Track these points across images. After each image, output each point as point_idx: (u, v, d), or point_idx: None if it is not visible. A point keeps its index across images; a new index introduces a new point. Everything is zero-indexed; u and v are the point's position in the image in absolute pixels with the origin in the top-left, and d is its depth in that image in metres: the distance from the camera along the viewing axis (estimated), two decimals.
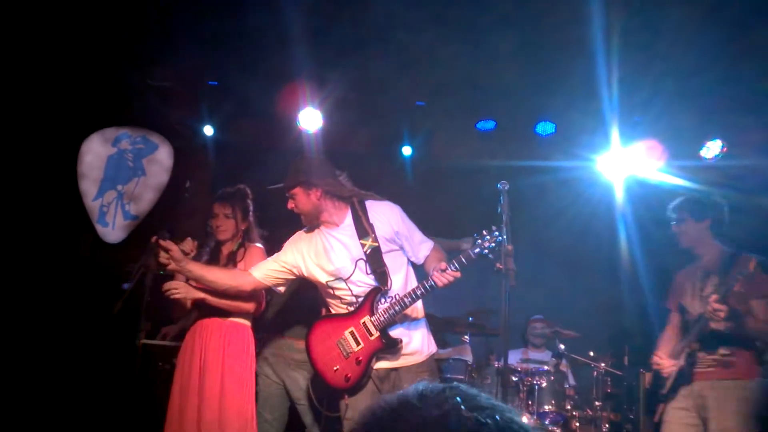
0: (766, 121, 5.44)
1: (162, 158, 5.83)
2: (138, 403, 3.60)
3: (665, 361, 3.76)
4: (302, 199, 3.44)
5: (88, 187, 5.66)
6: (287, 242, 3.59)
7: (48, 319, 5.01)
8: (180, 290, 3.57)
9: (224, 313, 3.79)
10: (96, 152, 5.73)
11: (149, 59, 5.54)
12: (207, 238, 3.97)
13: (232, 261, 3.87)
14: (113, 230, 5.60)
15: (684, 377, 3.67)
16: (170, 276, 3.69)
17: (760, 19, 4.55)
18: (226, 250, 3.95)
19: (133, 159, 5.78)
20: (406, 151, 6.15)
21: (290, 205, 3.48)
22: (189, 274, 3.51)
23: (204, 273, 3.53)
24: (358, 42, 5.20)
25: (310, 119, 5.75)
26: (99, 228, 5.60)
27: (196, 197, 4.03)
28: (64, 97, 5.32)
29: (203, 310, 3.82)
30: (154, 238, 3.37)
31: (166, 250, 3.35)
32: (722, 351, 3.60)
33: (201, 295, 3.69)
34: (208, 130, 6.05)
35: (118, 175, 5.72)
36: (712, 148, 5.68)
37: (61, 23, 4.86)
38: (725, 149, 5.66)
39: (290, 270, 3.51)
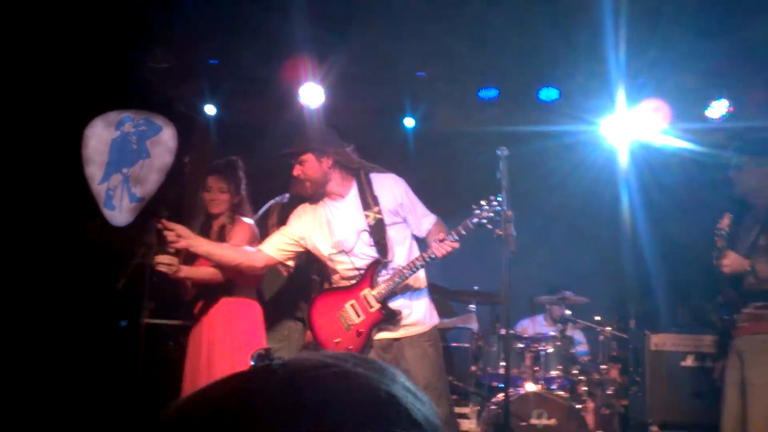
0: None
1: (166, 139, 5.84)
2: (143, 383, 3.65)
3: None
4: (313, 166, 3.42)
5: (94, 172, 5.70)
6: (292, 215, 3.60)
7: (54, 303, 5.08)
8: (172, 266, 3.46)
9: (229, 290, 3.79)
10: (99, 136, 5.76)
11: (149, 40, 5.55)
12: (196, 211, 3.88)
13: (222, 236, 3.80)
14: (120, 213, 5.65)
15: (726, 334, 3.57)
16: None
17: None
18: (216, 224, 3.87)
19: (137, 141, 5.80)
20: (408, 122, 6.13)
21: (297, 171, 3.45)
22: (198, 249, 3.44)
23: (213, 249, 3.49)
24: (357, 14, 5.16)
25: (312, 94, 5.74)
26: (106, 212, 5.64)
27: (195, 174, 4.00)
28: (65, 82, 5.34)
29: (206, 289, 3.82)
30: (155, 219, 3.38)
31: (171, 229, 3.35)
32: (761, 310, 3.45)
33: (190, 273, 3.63)
34: (210, 109, 6.06)
35: (122, 158, 5.74)
36: (718, 108, 5.60)
37: (60, 8, 4.86)
38: (731, 109, 5.58)
39: (298, 242, 3.51)
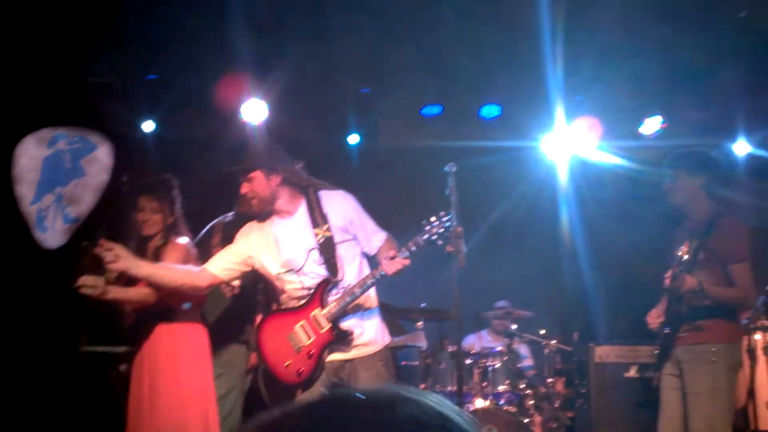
0: (703, 101, 5.60)
1: (101, 157, 5.61)
2: (83, 412, 3.48)
3: (655, 320, 3.68)
4: (261, 183, 3.35)
5: (25, 191, 5.41)
6: (238, 233, 3.50)
7: None
8: (97, 288, 3.28)
9: (170, 315, 3.65)
10: (31, 155, 5.48)
11: (85, 55, 5.36)
12: (130, 232, 3.71)
13: (157, 259, 3.63)
14: (53, 235, 5.37)
15: (667, 341, 3.65)
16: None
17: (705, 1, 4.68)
18: (151, 246, 3.70)
19: (71, 160, 5.56)
20: (353, 139, 6.12)
21: (245, 188, 3.37)
22: (137, 271, 3.30)
23: (154, 270, 3.36)
24: (301, 31, 5.14)
25: (254, 111, 5.67)
26: (38, 234, 5.38)
27: (131, 194, 3.85)
28: None
29: (147, 313, 3.67)
30: (85, 242, 3.23)
31: (109, 250, 3.22)
32: (700, 321, 3.56)
33: (118, 294, 3.47)
34: (149, 126, 5.91)
35: (55, 177, 5.49)
36: (652, 125, 5.82)
37: None
38: (664, 125, 5.80)
39: (245, 261, 3.42)
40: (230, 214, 4.59)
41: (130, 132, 5.83)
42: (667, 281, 3.50)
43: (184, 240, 3.76)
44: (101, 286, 3.29)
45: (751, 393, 3.95)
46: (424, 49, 5.34)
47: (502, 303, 5.73)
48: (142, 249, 3.72)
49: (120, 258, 3.21)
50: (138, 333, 3.71)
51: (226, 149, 5.34)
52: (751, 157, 5.80)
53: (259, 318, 4.38)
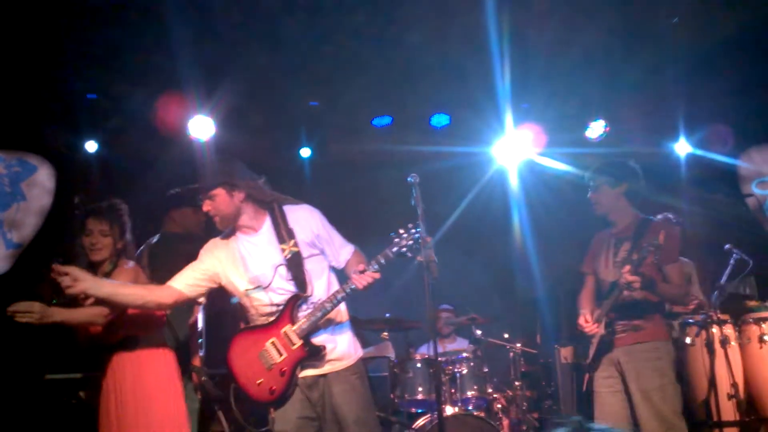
0: (645, 105, 5.82)
1: (42, 180, 5.42)
2: None
3: (590, 324, 3.77)
4: (224, 201, 3.27)
5: None
6: (203, 250, 3.41)
7: None
8: (33, 313, 3.08)
9: (132, 342, 3.53)
10: None
11: (20, 74, 5.14)
12: (76, 258, 3.53)
13: None
14: None
15: (605, 345, 3.74)
16: (67, 304, 3.39)
17: (640, 11, 4.85)
18: (101, 272, 3.54)
19: (10, 184, 5.34)
20: (305, 152, 6.07)
21: (206, 206, 3.28)
22: (98, 292, 3.13)
23: (116, 289, 3.21)
24: (247, 45, 5.07)
25: (201, 127, 5.57)
26: None
27: (81, 216, 3.68)
28: None
29: (107, 339, 3.53)
30: (46, 268, 3.07)
31: (65, 273, 3.06)
32: (636, 321, 3.71)
33: (65, 316, 3.26)
34: (91, 146, 5.72)
35: None
36: (596, 128, 6.00)
37: None
38: (608, 128, 5.98)
39: (211, 278, 3.33)
40: (155, 237, 4.50)
41: (73, 154, 5.62)
42: (622, 279, 3.56)
43: (131, 263, 3.64)
44: (38, 311, 3.10)
45: (713, 385, 4.09)
46: (371, 61, 5.35)
47: (445, 306, 5.79)
48: (93, 274, 3.55)
49: (78, 281, 3.07)
50: (97, 358, 3.57)
51: (176, 167, 5.23)
52: (691, 157, 6.04)
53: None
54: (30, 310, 3.08)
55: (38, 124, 5.40)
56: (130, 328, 3.53)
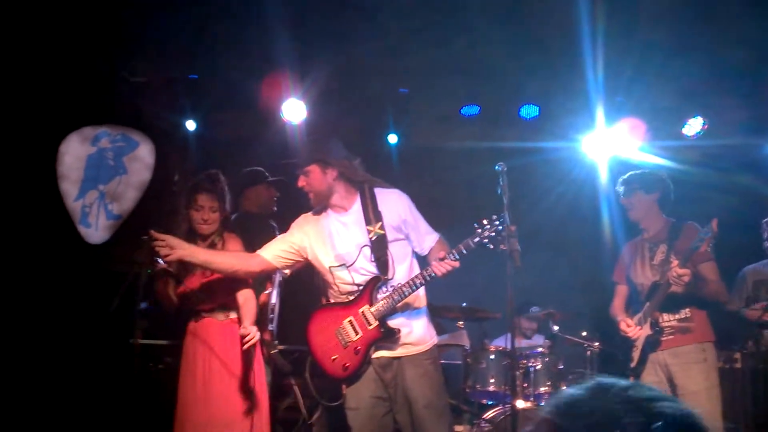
0: (745, 101, 5.53)
1: (143, 155, 5.73)
2: (135, 405, 3.52)
3: (633, 327, 3.87)
4: (317, 177, 3.37)
5: (69, 188, 5.55)
6: (294, 224, 3.53)
7: (41, 322, 4.91)
8: (173, 248, 3.26)
9: (223, 309, 3.69)
10: (75, 152, 5.61)
11: (127, 54, 5.44)
12: (180, 230, 3.65)
13: None
14: (96, 231, 5.50)
15: (649, 346, 3.82)
16: (158, 275, 3.60)
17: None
18: (209, 243, 3.70)
19: (114, 157, 5.67)
20: (392, 139, 6.13)
21: (301, 182, 3.40)
22: (194, 259, 3.35)
23: (210, 257, 3.40)
24: (340, 30, 5.16)
25: (294, 110, 5.70)
26: (81, 229, 5.49)
27: (186, 191, 3.88)
28: (40, 96, 5.20)
29: (200, 308, 3.71)
30: (148, 234, 3.26)
31: (162, 242, 3.25)
32: (684, 313, 3.78)
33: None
34: (191, 125, 5.97)
35: (98, 174, 5.60)
36: (694, 126, 5.76)
37: (35, 22, 4.74)
38: (706, 126, 5.73)
39: (298, 251, 3.44)
40: (232, 216, 4.64)
41: (173, 131, 5.89)
42: (672, 273, 3.63)
43: (234, 234, 3.81)
44: (176, 245, 3.26)
45: None
46: (462, 49, 5.32)
47: (534, 309, 5.69)
48: (195, 244, 3.72)
49: (175, 248, 3.26)
50: (190, 327, 3.74)
51: (271, 148, 5.40)
52: None
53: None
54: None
55: (142, 101, 5.67)
56: (222, 296, 3.67)
